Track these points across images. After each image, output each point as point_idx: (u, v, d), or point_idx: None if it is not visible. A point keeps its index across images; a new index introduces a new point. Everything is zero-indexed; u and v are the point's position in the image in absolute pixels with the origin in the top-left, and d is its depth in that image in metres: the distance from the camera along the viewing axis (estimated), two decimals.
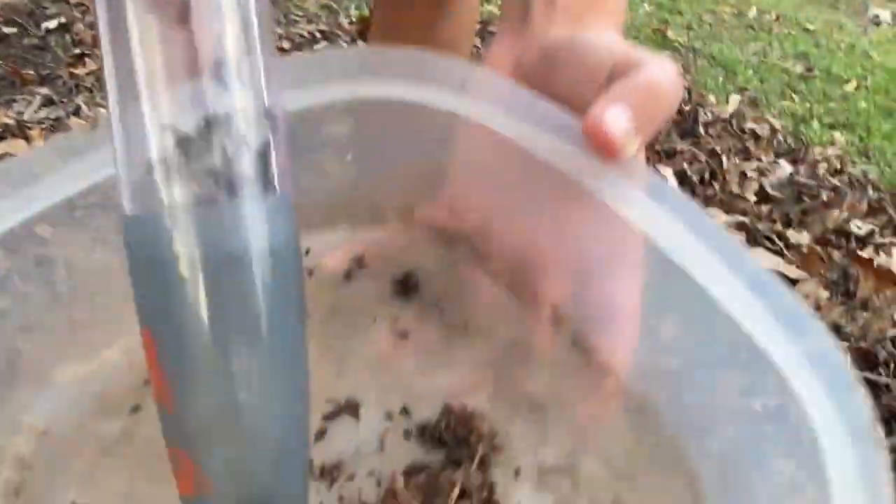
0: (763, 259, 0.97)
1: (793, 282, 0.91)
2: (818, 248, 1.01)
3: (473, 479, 0.31)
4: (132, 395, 0.33)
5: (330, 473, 0.31)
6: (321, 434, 0.32)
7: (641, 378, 0.34)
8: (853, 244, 1.05)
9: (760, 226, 1.05)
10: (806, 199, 1.17)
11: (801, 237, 1.04)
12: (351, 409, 0.33)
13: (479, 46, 1.30)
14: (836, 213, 1.12)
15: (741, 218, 1.06)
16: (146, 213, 0.19)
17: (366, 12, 1.52)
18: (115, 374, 0.33)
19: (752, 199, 1.14)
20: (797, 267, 0.96)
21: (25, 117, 0.98)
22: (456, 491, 0.30)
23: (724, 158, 1.21)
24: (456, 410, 0.33)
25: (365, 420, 0.33)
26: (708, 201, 1.09)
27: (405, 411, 0.33)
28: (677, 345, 0.32)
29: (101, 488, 0.30)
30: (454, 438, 0.32)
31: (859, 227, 1.09)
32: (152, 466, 0.31)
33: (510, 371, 0.35)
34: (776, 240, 1.02)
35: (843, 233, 1.08)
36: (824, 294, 0.91)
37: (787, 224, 1.09)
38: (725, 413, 0.31)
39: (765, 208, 1.12)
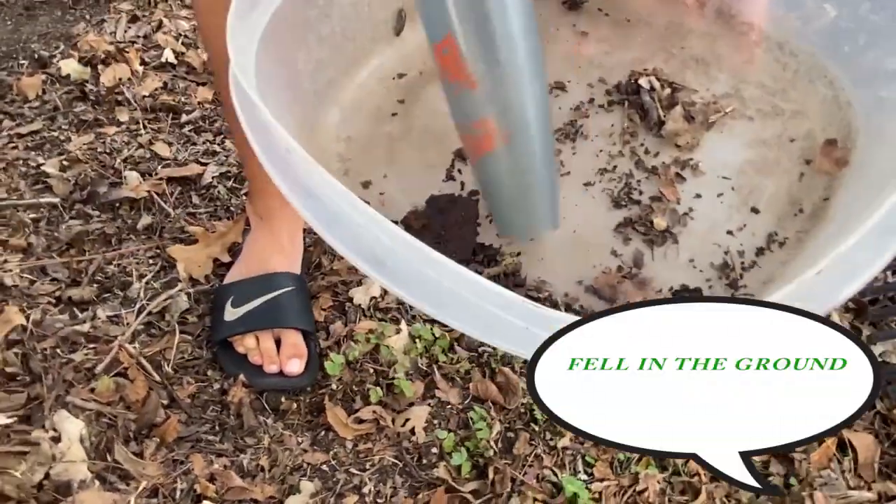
0: None
1: None
2: None
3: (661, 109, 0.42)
4: (391, 106, 0.44)
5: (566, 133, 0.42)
6: None
7: (779, 24, 0.44)
8: None
9: None
10: None
11: None
12: (559, 86, 0.43)
13: None
14: None
15: None
16: None
17: None
18: (372, 94, 0.44)
19: None
20: None
21: (118, 37, 1.07)
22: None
23: None
24: (639, 71, 0.43)
25: (571, 91, 0.43)
26: None
27: (602, 80, 0.43)
28: None
29: (400, 161, 0.42)
30: (641, 92, 0.42)
31: None
32: (431, 144, 0.43)
33: (673, 42, 0.44)
34: None
35: None
36: None
37: None
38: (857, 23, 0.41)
39: None
